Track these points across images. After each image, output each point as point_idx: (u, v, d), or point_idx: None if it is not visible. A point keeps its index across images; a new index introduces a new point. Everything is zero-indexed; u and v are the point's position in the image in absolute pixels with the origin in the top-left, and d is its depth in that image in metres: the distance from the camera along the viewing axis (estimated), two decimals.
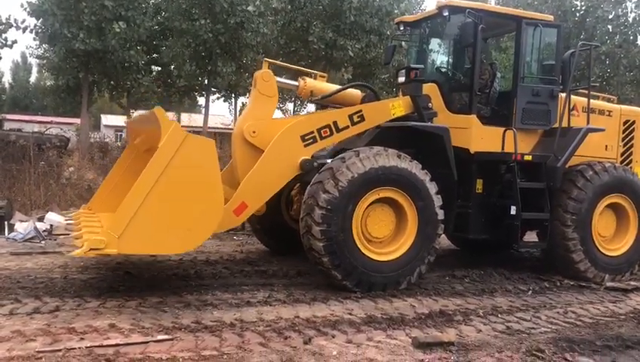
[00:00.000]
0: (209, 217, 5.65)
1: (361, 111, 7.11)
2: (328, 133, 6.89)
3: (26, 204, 11.00)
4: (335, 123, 6.94)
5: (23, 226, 9.31)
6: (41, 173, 11.74)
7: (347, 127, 7.00)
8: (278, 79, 7.48)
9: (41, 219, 9.85)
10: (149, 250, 5.42)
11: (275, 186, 6.71)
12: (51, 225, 9.67)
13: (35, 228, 9.20)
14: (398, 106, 7.29)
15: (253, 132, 6.97)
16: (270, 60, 7.80)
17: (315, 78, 8.02)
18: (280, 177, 6.70)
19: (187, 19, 19.82)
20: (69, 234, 9.48)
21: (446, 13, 7.53)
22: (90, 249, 5.09)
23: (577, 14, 20.84)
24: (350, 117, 7.03)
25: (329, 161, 6.81)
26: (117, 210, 5.48)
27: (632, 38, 22.79)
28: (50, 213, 10.16)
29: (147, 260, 7.74)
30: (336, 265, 6.26)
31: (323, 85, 7.93)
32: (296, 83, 7.87)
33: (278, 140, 6.67)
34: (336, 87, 8.01)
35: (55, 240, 9.23)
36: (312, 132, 6.81)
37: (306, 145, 6.76)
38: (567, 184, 7.62)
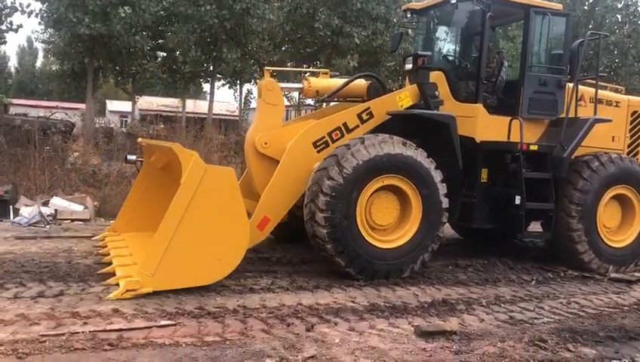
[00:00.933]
0: (237, 244, 5.78)
1: (369, 108, 7.09)
2: (339, 135, 6.89)
3: (30, 188, 11.02)
4: (345, 124, 6.94)
5: (27, 211, 9.34)
6: (46, 158, 11.75)
7: (357, 126, 6.99)
8: (282, 84, 7.53)
9: (45, 204, 9.88)
10: (183, 284, 5.57)
11: (294, 196, 6.76)
12: (56, 210, 9.70)
13: (40, 213, 9.23)
14: (405, 97, 7.26)
15: (265, 143, 7.05)
16: (272, 68, 7.83)
17: (317, 76, 8.00)
18: (298, 187, 6.72)
19: (192, 5, 19.70)
20: (74, 220, 9.53)
21: (454, 1, 7.45)
22: (127, 290, 5.27)
23: (586, 3, 20.62)
24: (359, 116, 7.02)
25: None
26: (148, 247, 5.64)
27: None
28: (54, 197, 10.18)
29: None
30: (339, 252, 6.27)
31: (327, 82, 7.90)
32: (300, 85, 7.89)
33: (291, 150, 6.71)
34: (341, 81, 7.97)
35: (59, 224, 9.27)
36: (323, 137, 6.83)
37: (319, 151, 6.77)
38: (572, 175, 7.58)
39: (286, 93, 7.16)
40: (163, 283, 5.40)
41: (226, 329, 4.67)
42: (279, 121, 7.42)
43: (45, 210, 9.49)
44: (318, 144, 6.80)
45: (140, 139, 8.21)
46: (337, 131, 6.90)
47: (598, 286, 7.13)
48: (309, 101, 22.22)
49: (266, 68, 7.74)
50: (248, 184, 7.45)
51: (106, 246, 7.08)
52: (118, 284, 5.46)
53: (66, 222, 9.47)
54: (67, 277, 5.96)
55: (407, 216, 6.67)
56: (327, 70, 8.31)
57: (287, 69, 8.54)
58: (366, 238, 6.42)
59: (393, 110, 7.18)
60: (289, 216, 7.13)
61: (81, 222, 9.52)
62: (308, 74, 8.08)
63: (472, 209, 7.58)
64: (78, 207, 9.94)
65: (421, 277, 6.74)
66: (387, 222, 6.64)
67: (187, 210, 5.44)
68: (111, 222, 9.66)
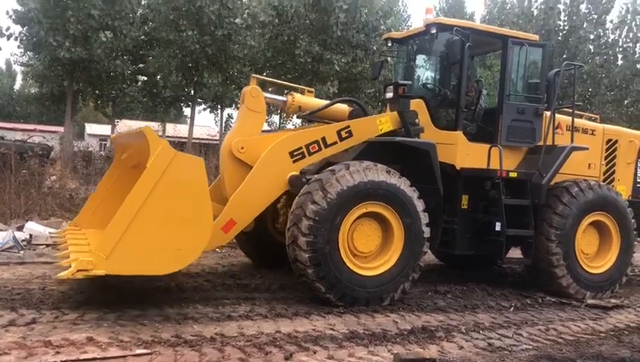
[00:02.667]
0: (199, 236, 5.62)
1: (348, 127, 7.14)
2: (317, 148, 6.91)
3: (5, 212, 10.81)
4: (323, 138, 6.96)
5: (1, 236, 9.14)
6: (22, 182, 11.56)
7: (335, 142, 7.03)
8: (267, 95, 7.46)
9: (20, 229, 9.68)
10: (138, 271, 5.37)
11: (264, 203, 6.71)
12: (31, 235, 9.51)
13: (14, 238, 9.03)
14: (385, 122, 7.32)
15: (242, 148, 6.94)
16: (258, 76, 7.79)
17: (303, 94, 8.03)
18: (269, 194, 6.69)
19: (174, 30, 19.78)
20: (49, 245, 9.34)
21: (434, 31, 7.58)
22: (78, 270, 5.01)
23: (560, 34, 21.15)
24: (338, 132, 7.06)
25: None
26: (105, 229, 5.41)
27: (612, 58, 23.12)
28: (30, 222, 9.99)
29: None
30: (320, 277, 6.22)
31: (311, 101, 7.93)
32: (284, 98, 7.86)
33: (267, 156, 6.67)
34: (324, 102, 8.03)
35: (34, 250, 9.07)
36: (301, 148, 6.82)
37: (294, 161, 6.77)
38: (552, 199, 7.67)
39: (272, 107, 7.06)
40: (116, 268, 5.15)
41: (203, 357, 4.58)
42: (259, 129, 7.30)
43: (20, 235, 9.29)
44: (294, 154, 6.79)
45: (112, 135, 7.95)
46: (315, 144, 6.90)
47: (575, 312, 7.16)
48: (290, 126, 22.27)
49: (253, 75, 7.70)
50: (218, 189, 7.32)
51: (64, 238, 6.80)
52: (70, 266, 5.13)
53: (41, 247, 9.26)
54: (40, 304, 5.81)
55: (389, 244, 6.66)
56: (312, 89, 8.34)
57: (274, 80, 8.48)
58: (347, 264, 6.38)
59: (373, 135, 7.23)
60: (256, 222, 7.01)
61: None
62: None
63: (453, 235, 7.60)
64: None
65: (401, 304, 6.70)
66: (369, 250, 6.62)
67: (150, 195, 5.25)
68: None
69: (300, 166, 6.76)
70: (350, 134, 7.11)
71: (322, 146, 6.94)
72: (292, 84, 8.30)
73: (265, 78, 8.16)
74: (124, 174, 7.18)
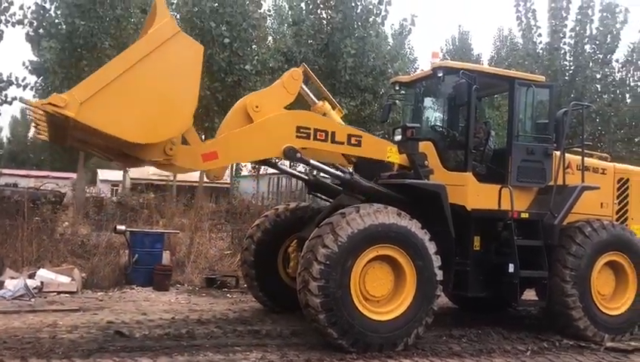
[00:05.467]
0: (177, 119, 5.63)
1: (361, 137, 7.15)
2: (323, 137, 6.87)
3: (17, 260, 10.81)
4: (333, 133, 6.95)
5: (12, 283, 9.12)
6: (34, 229, 11.59)
7: (342, 143, 7.01)
8: (304, 86, 7.51)
9: (32, 276, 9.67)
10: (107, 128, 5.22)
11: (250, 156, 6.95)
12: (42, 282, 9.48)
13: (25, 286, 9.00)
14: (394, 153, 7.32)
15: (257, 107, 6.77)
16: (309, 70, 7.80)
17: (333, 108, 8.07)
18: (259, 150, 6.73)
19: None
20: (60, 292, 9.31)
21: (440, 74, 7.68)
22: (49, 103, 4.95)
23: (567, 74, 21.22)
24: (349, 136, 7.06)
25: (312, 161, 6.91)
26: (89, 77, 5.38)
27: (620, 96, 23.13)
28: (41, 269, 9.98)
29: (138, 318, 7.58)
30: (332, 323, 6.13)
31: (335, 116, 7.98)
32: (315, 100, 7.91)
33: (276, 118, 6.69)
34: (342, 124, 8.10)
35: (45, 297, 9.03)
36: (309, 128, 6.79)
37: (297, 136, 6.73)
38: (565, 240, 7.60)
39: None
40: (87, 116, 5.06)
41: None
42: (280, 106, 7.06)
43: (31, 283, 9.26)
44: (301, 130, 6.74)
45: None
46: (324, 133, 6.87)
47: (594, 356, 6.99)
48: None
49: (304, 65, 7.75)
50: None
51: None
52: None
53: (52, 294, 9.23)
54: (50, 353, 5.76)
55: (402, 287, 6.57)
56: (342, 112, 8.43)
57: (319, 83, 8.39)
58: (360, 309, 6.30)
59: (379, 157, 7.26)
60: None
61: (67, 295, 9.30)
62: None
63: (465, 277, 7.50)
64: (65, 279, 9.73)
65: (414, 349, 6.58)
66: (381, 294, 6.54)
67: (143, 61, 5.26)
68: (99, 293, 9.49)
69: (300, 143, 6.70)
70: (359, 144, 7.10)
71: (329, 139, 6.90)
72: (330, 96, 8.36)
73: (314, 76, 8.17)
74: None
